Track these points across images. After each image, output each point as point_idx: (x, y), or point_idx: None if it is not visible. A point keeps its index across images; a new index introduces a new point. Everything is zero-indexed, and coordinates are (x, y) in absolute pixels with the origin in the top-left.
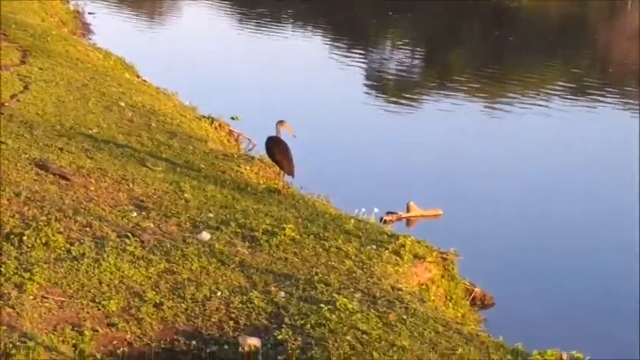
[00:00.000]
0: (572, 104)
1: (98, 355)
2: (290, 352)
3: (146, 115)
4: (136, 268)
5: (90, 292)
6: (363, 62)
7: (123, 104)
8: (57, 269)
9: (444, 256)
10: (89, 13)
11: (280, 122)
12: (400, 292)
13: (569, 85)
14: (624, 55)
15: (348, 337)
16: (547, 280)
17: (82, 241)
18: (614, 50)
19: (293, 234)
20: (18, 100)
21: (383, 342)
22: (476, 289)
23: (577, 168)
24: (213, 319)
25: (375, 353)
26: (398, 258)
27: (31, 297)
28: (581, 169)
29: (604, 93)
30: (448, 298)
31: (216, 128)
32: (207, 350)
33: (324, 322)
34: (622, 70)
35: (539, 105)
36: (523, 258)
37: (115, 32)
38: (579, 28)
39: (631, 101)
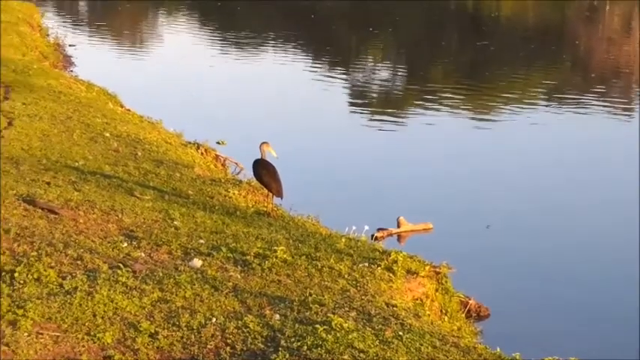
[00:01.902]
0: (557, 111)
1: None
2: None
3: (132, 145)
4: (130, 298)
5: (84, 325)
6: (345, 80)
7: (108, 135)
8: (50, 304)
9: (437, 269)
10: (70, 45)
11: (264, 143)
12: (395, 309)
13: (552, 92)
14: (605, 58)
15: (346, 357)
16: (542, 289)
17: (73, 274)
18: (596, 54)
19: (285, 256)
20: (2, 137)
21: (381, 359)
22: (470, 301)
23: (569, 177)
24: (209, 346)
25: None
26: (391, 274)
27: (26, 334)
28: (573, 178)
29: (588, 98)
30: (443, 311)
31: (202, 154)
32: None
33: (320, 342)
34: (604, 74)
35: (525, 114)
36: (516, 268)
37: (96, 63)
38: (559, 34)
39: (615, 101)
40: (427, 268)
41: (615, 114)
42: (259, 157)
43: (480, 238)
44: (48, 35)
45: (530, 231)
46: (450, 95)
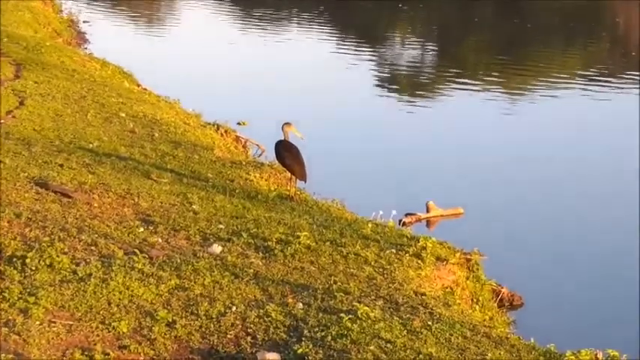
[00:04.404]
0: (596, 91)
1: None
2: None
3: (148, 125)
4: (146, 286)
5: (99, 313)
6: (373, 58)
7: (123, 115)
8: (63, 291)
9: (468, 256)
10: (84, 22)
11: (286, 124)
12: (424, 297)
13: (591, 71)
14: None
15: (372, 347)
16: (577, 278)
17: (87, 260)
18: (636, 32)
19: (308, 242)
20: (14, 117)
21: (408, 350)
22: (503, 290)
23: (604, 160)
24: (229, 336)
25: None
26: (419, 261)
27: (38, 322)
28: (611, 161)
29: (627, 77)
30: (474, 300)
31: (222, 135)
32: None
33: (345, 332)
34: None
35: (561, 94)
36: (551, 256)
37: (112, 40)
38: (598, 11)
39: None
40: (457, 254)
41: None
42: (282, 138)
43: (513, 224)
44: (61, 11)
45: (565, 218)
46: (484, 74)
